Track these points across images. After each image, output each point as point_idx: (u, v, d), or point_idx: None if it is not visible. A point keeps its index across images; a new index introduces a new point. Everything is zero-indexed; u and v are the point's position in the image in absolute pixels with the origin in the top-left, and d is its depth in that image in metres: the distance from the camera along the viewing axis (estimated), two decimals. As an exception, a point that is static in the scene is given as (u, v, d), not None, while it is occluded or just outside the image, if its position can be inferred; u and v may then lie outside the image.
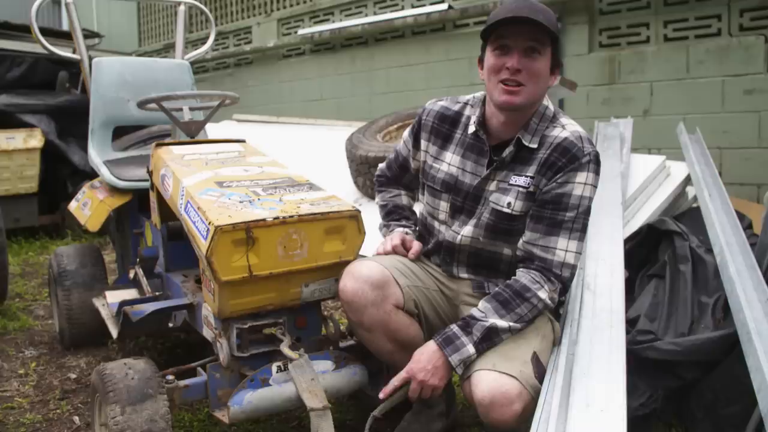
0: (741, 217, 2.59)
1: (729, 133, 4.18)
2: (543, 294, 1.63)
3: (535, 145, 1.70)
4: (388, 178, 2.07)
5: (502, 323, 1.60)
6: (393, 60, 6.08)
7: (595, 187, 1.68)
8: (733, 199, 2.81)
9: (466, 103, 1.86)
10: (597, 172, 1.68)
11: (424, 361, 1.60)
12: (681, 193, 3.42)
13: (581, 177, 1.65)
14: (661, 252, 2.52)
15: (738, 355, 1.79)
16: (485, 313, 1.61)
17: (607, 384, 1.46)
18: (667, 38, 4.48)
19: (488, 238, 1.76)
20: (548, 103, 1.76)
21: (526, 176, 1.70)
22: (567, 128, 1.70)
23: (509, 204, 1.71)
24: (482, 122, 1.79)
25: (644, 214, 3.06)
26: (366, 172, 3.59)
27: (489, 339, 1.59)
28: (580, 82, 4.37)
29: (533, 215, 1.69)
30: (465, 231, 1.79)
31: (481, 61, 1.75)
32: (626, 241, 2.51)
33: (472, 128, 1.79)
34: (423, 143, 1.89)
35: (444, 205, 1.84)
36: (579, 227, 1.66)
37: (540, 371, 1.57)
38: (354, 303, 1.70)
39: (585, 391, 1.44)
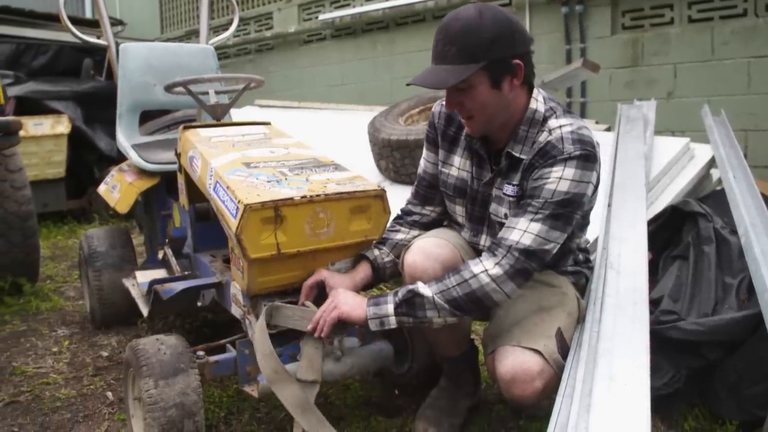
0: (766, 199, 2.57)
1: (755, 115, 4.13)
2: (476, 268, 1.55)
3: (525, 156, 1.64)
4: (409, 211, 1.96)
5: (425, 290, 1.55)
6: (414, 44, 6.07)
7: (577, 182, 1.55)
8: (758, 181, 2.78)
9: None
10: (580, 167, 1.55)
11: (353, 295, 1.65)
12: (705, 176, 3.40)
13: (557, 172, 1.56)
14: (685, 233, 2.52)
15: (762, 336, 1.80)
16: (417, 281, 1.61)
17: (631, 359, 1.48)
18: (692, 19, 4.43)
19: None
20: (538, 104, 1.67)
21: (514, 185, 1.67)
22: (554, 132, 1.61)
23: (505, 215, 1.69)
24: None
25: (668, 196, 3.05)
26: (388, 155, 3.60)
27: (410, 304, 1.56)
28: (602, 64, 4.33)
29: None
30: (483, 241, 1.80)
31: None
32: (650, 223, 2.51)
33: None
34: (439, 149, 1.86)
35: (460, 209, 1.84)
36: (546, 213, 1.55)
37: (564, 347, 1.59)
38: (422, 280, 1.65)
39: (609, 366, 1.46)
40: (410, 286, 1.58)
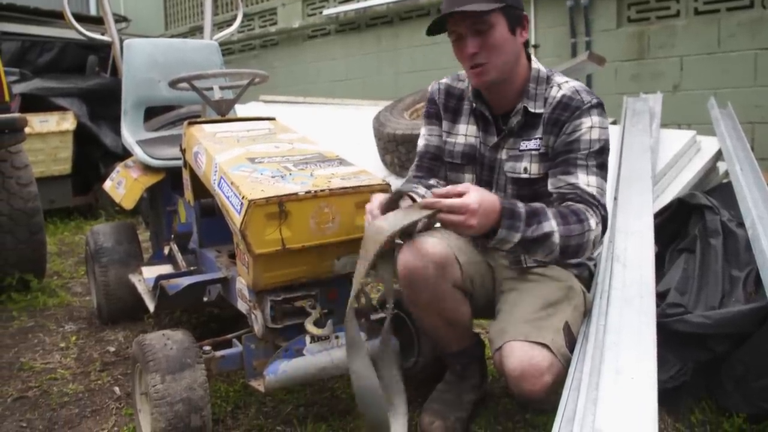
0: (774, 191, 2.56)
1: (761, 107, 4.10)
2: (593, 222, 1.59)
3: (540, 110, 1.73)
4: (417, 177, 1.96)
5: (556, 237, 1.54)
6: (418, 38, 6.05)
7: (604, 128, 1.69)
8: (765, 173, 2.76)
9: (465, 78, 1.88)
10: (602, 115, 1.69)
11: (485, 208, 1.47)
12: (712, 168, 3.38)
13: (586, 122, 1.67)
14: (692, 226, 2.50)
15: (769, 328, 1.79)
16: (548, 214, 1.55)
17: (637, 352, 1.48)
18: (698, 11, 4.40)
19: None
20: (538, 65, 1.78)
21: (536, 139, 1.74)
22: (563, 86, 1.73)
23: (525, 169, 1.74)
24: (477, 95, 1.81)
25: (674, 189, 3.03)
26: (393, 150, 3.60)
27: (536, 243, 1.53)
28: (608, 57, 4.31)
29: (551, 167, 1.71)
30: None
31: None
32: (656, 216, 2.49)
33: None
34: (442, 122, 1.91)
35: (469, 176, 1.86)
36: (594, 164, 1.66)
37: (571, 341, 1.59)
38: (415, 281, 1.67)
39: (615, 360, 1.45)
40: (546, 228, 1.53)
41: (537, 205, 1.58)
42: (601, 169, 1.69)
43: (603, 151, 1.69)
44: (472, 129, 1.85)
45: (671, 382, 1.91)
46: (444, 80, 1.93)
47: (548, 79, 1.75)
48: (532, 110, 1.73)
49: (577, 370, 1.49)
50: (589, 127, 1.67)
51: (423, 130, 1.96)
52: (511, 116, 1.76)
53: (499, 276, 1.84)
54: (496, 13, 1.62)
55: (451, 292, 1.71)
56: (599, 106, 1.69)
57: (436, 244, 1.72)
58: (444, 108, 1.90)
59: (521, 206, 1.53)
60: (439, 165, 1.94)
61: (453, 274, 1.71)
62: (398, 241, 1.62)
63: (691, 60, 4.40)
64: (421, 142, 1.97)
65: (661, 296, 2.08)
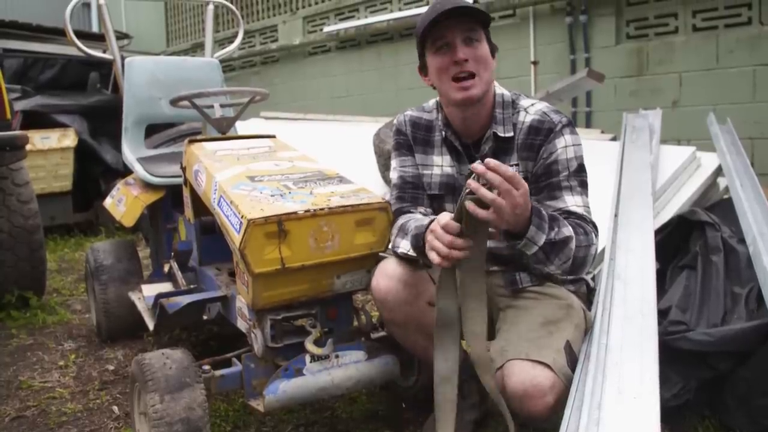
0: (774, 207, 2.55)
1: (761, 123, 4.11)
2: (593, 236, 1.64)
3: (510, 134, 1.74)
4: (406, 208, 1.86)
5: (572, 243, 1.56)
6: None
7: (578, 145, 1.71)
8: (765, 189, 2.76)
9: (432, 109, 1.89)
10: (573, 133, 1.72)
11: (526, 199, 1.43)
12: (712, 184, 3.38)
13: (560, 143, 1.69)
14: (693, 243, 2.50)
15: (772, 345, 1.78)
16: (564, 221, 1.57)
17: (639, 371, 1.46)
18: (696, 28, 4.42)
19: (502, 235, 1.74)
20: (502, 90, 1.79)
21: (511, 165, 1.71)
22: (530, 110, 1.75)
23: None
24: (447, 124, 1.81)
25: (675, 205, 3.03)
26: (393, 167, 3.60)
27: (555, 247, 1.53)
28: (607, 74, 4.33)
29: (534, 192, 1.70)
30: None
31: (421, 69, 1.79)
32: (657, 233, 2.49)
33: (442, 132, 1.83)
34: (414, 153, 1.89)
35: (449, 207, 1.84)
36: (576, 183, 1.69)
37: (573, 360, 1.58)
38: (387, 302, 1.70)
39: (617, 379, 1.44)
40: (565, 232, 1.54)
41: (556, 210, 1.62)
42: (583, 187, 1.71)
43: (581, 168, 1.71)
44: (447, 159, 1.84)
45: (674, 401, 1.90)
46: (408, 112, 1.91)
47: (514, 104, 1.77)
48: (502, 135, 1.74)
49: (578, 390, 1.48)
50: (563, 147, 1.69)
51: (395, 162, 1.92)
52: (482, 143, 1.76)
53: (493, 296, 1.83)
54: (481, 32, 1.68)
55: (429, 309, 1.70)
56: (570, 125, 1.72)
57: (405, 264, 1.72)
58: (413, 139, 1.88)
59: (545, 211, 1.54)
60: (422, 194, 1.87)
61: (426, 291, 1.71)
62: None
63: (690, 76, 4.42)
64: (395, 174, 1.91)
65: (662, 314, 2.07)
